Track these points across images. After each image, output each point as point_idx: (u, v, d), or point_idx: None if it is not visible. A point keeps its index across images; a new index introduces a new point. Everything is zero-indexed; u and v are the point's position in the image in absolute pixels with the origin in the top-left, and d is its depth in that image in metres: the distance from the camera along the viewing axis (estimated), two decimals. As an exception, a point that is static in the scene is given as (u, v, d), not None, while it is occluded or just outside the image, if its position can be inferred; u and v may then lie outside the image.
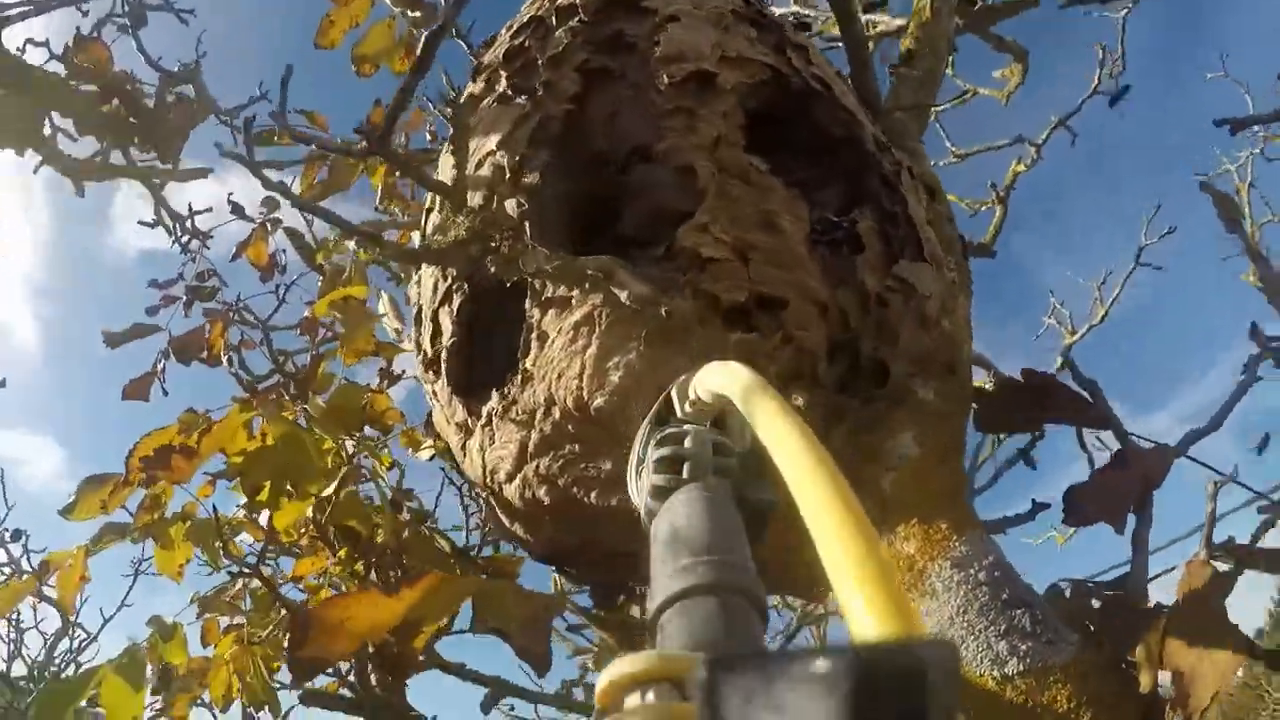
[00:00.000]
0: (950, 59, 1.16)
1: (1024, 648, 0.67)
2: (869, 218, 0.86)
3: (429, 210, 0.97)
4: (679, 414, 0.48)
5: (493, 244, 0.81)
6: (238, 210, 1.41)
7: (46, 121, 1.10)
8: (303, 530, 1.04)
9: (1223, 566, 0.76)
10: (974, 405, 0.88)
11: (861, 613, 0.19)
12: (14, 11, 1.09)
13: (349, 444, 1.02)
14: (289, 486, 0.93)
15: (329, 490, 0.93)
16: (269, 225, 1.50)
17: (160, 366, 1.44)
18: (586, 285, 0.75)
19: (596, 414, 0.74)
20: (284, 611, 1.00)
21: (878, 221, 0.86)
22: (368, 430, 1.11)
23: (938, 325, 0.86)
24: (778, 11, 1.76)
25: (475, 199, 0.87)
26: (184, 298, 1.46)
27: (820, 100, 0.89)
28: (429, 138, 1.51)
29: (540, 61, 0.90)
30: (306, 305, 1.46)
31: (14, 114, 1.03)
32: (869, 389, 0.81)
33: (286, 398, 1.18)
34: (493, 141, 0.88)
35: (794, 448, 0.27)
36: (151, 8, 1.33)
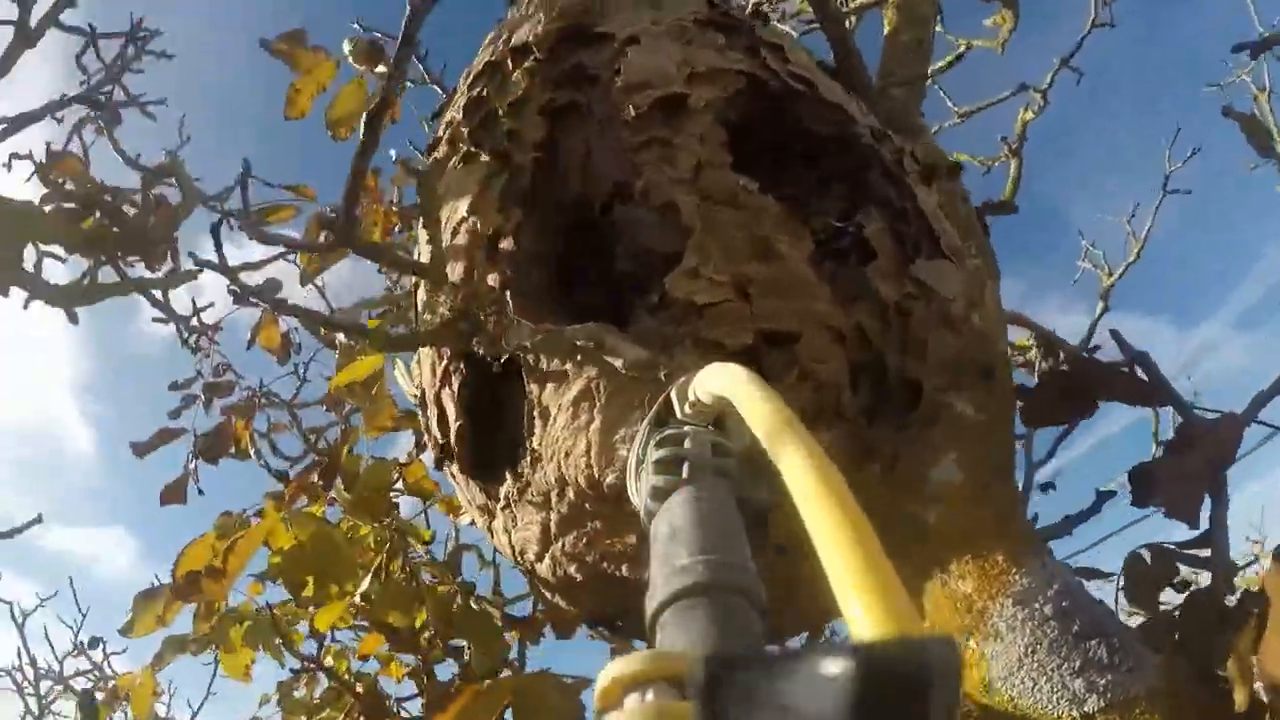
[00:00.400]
0: (938, 17, 1.07)
1: (1103, 682, 0.62)
2: (877, 219, 0.79)
3: (417, 284, 0.93)
4: (678, 415, 0.47)
5: (479, 321, 0.78)
6: (240, 299, 1.39)
7: (30, 250, 1.09)
8: (353, 613, 1.04)
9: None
10: (1018, 402, 0.81)
11: (860, 613, 0.19)
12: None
13: (381, 528, 1.01)
14: (332, 583, 0.92)
15: (364, 586, 0.92)
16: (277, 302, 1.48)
17: (192, 467, 1.46)
18: (578, 357, 0.71)
19: (610, 491, 0.71)
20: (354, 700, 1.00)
21: (887, 221, 0.80)
22: (408, 500, 1.10)
23: (966, 323, 0.79)
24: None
25: (456, 271, 0.83)
26: (202, 396, 1.47)
27: (803, 100, 0.82)
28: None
29: (500, 111, 0.85)
30: (328, 380, 1.46)
31: (-8, 249, 1.01)
32: (900, 413, 0.75)
33: (319, 482, 1.17)
34: (464, 207, 0.83)
35: (794, 450, 0.27)
36: (123, 104, 1.31)
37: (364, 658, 1.12)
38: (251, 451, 1.41)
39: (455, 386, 0.84)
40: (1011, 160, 1.55)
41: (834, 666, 0.15)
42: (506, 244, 0.78)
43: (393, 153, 1.44)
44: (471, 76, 0.92)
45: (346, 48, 1.18)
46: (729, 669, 0.18)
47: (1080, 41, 1.66)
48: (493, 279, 0.77)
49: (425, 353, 0.89)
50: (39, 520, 1.31)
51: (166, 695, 1.23)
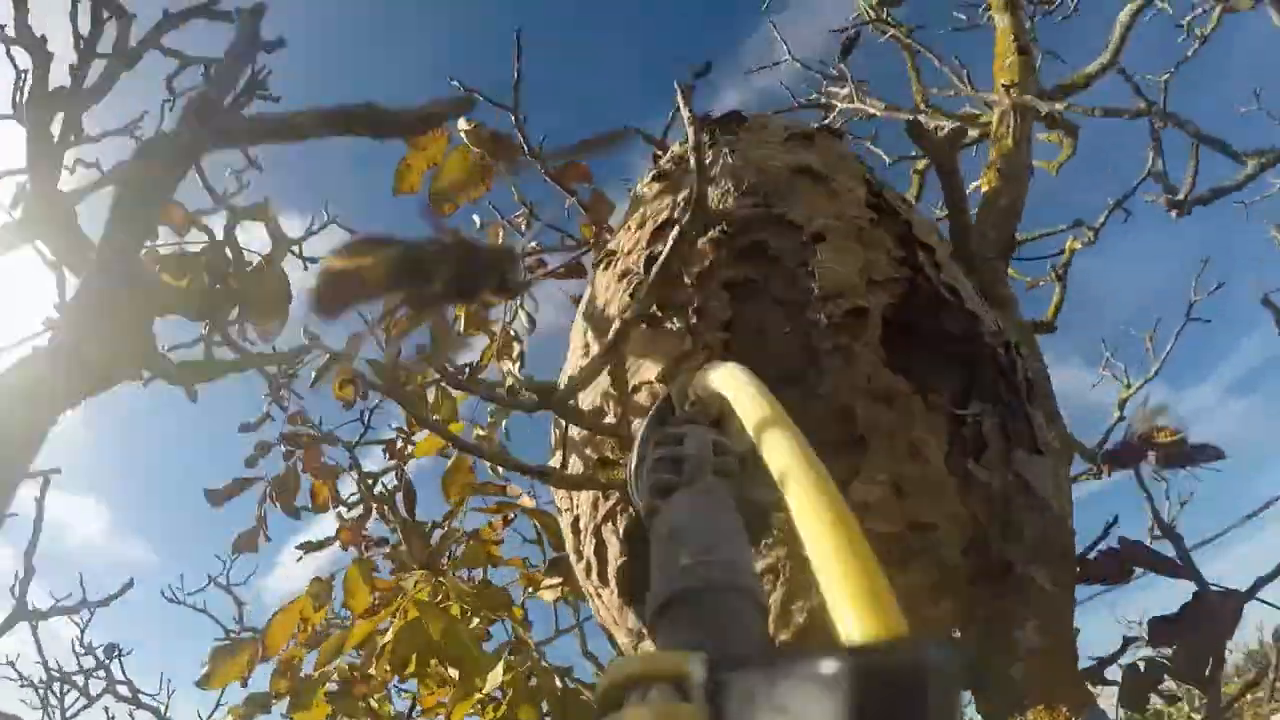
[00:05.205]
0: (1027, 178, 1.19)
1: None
2: (991, 415, 0.95)
3: (566, 428, 1.01)
4: (679, 413, 0.50)
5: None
6: (314, 341, 1.34)
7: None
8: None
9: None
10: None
11: (852, 616, 0.20)
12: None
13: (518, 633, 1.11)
14: (451, 672, 1.02)
15: (493, 684, 1.02)
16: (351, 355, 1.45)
17: (263, 513, 1.46)
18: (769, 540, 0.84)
19: (779, 645, 0.86)
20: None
21: (998, 418, 0.96)
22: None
23: (1049, 510, 0.98)
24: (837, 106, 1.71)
25: (636, 426, 0.93)
26: (281, 446, 1.44)
27: (949, 307, 0.95)
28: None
29: (687, 279, 0.93)
30: (394, 430, 1.48)
31: (127, 331, 0.94)
32: (995, 582, 0.94)
33: (416, 561, 1.22)
34: (650, 371, 0.92)
35: (788, 454, 0.27)
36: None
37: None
38: (332, 509, 1.44)
39: (620, 525, 0.96)
40: (1056, 284, 1.74)
41: (833, 667, 0.15)
42: (700, 423, 0.89)
43: (476, 219, 1.45)
44: (651, 228, 0.99)
45: (462, 127, 1.18)
46: (729, 669, 0.18)
47: (1135, 188, 1.82)
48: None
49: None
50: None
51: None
